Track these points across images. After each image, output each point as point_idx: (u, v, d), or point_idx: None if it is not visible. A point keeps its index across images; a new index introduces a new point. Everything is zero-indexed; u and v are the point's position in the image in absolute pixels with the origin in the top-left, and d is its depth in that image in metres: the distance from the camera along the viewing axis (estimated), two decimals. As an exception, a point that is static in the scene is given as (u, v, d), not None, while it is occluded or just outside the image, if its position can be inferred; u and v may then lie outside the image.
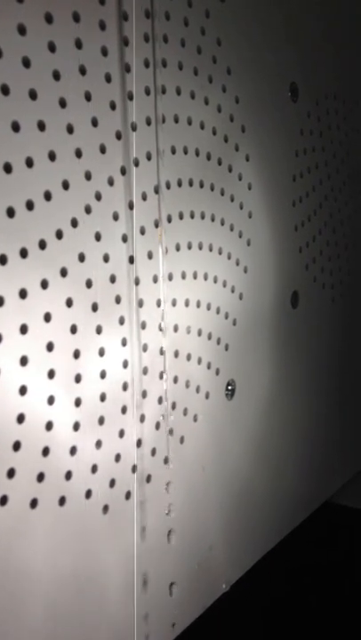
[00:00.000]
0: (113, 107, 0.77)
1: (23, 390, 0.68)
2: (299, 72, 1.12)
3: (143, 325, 0.83)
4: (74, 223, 0.73)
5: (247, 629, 0.99)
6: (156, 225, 0.84)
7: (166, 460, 0.88)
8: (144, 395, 0.84)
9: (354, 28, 1.29)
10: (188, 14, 0.87)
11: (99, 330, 0.77)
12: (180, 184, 0.88)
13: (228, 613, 1.01)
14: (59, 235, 0.71)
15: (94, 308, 0.76)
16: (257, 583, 1.08)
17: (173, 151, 0.86)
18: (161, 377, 0.87)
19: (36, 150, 0.68)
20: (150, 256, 0.84)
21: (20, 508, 0.69)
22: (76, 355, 0.74)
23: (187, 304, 0.90)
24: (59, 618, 0.75)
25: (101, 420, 0.78)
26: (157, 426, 0.87)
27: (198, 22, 0.89)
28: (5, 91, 0.64)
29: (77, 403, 0.75)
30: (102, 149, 0.76)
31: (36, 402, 0.70)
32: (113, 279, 0.78)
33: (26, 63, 0.66)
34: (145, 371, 0.84)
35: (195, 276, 0.92)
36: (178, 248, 0.88)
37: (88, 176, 0.74)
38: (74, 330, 0.74)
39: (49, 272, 0.70)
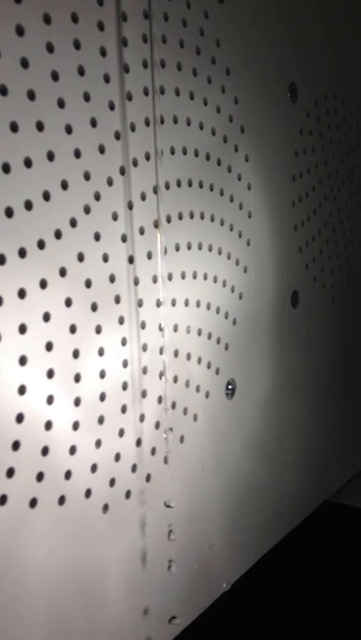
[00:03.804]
0: (112, 107, 0.77)
1: (22, 390, 0.68)
2: (298, 72, 1.12)
3: (143, 325, 0.83)
4: (73, 223, 0.73)
5: (248, 628, 0.99)
6: (156, 225, 0.84)
7: (166, 460, 0.88)
8: (144, 394, 0.84)
9: (353, 28, 1.29)
10: (186, 15, 0.87)
11: (98, 329, 0.77)
12: (179, 184, 0.88)
13: (228, 612, 1.01)
14: (58, 235, 0.71)
15: (94, 307, 0.76)
16: (257, 582, 1.08)
17: (172, 151, 0.86)
18: (161, 376, 0.87)
19: (35, 150, 0.68)
20: (150, 256, 0.84)
21: (20, 507, 0.69)
22: (76, 354, 0.75)
23: (186, 304, 0.91)
24: (59, 616, 0.75)
25: (101, 420, 0.78)
26: (157, 425, 0.87)
27: (197, 23, 0.89)
28: (4, 91, 0.64)
29: (77, 402, 0.75)
30: (101, 149, 0.76)
31: (35, 401, 0.70)
32: (112, 279, 0.79)
33: (24, 64, 0.66)
34: (145, 370, 0.84)
35: (194, 276, 0.92)
36: (177, 248, 0.88)
37: (87, 176, 0.74)
38: (73, 329, 0.74)
39: (48, 272, 0.70)
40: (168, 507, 0.88)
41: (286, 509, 1.19)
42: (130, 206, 0.80)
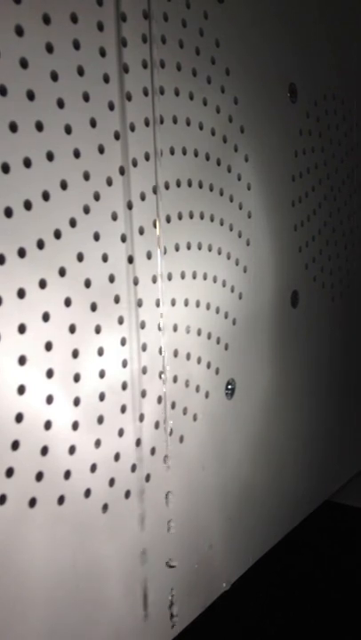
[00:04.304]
0: (111, 107, 0.77)
1: (22, 390, 0.69)
2: (298, 73, 1.12)
3: (142, 325, 0.83)
4: (72, 223, 0.73)
5: (247, 628, 0.99)
6: (155, 225, 0.84)
7: (166, 460, 0.88)
8: (143, 394, 0.84)
9: (353, 28, 1.29)
10: (186, 15, 0.87)
11: (98, 329, 0.77)
12: (178, 184, 0.88)
13: (228, 612, 1.01)
14: (57, 234, 0.71)
15: (93, 307, 0.76)
16: (257, 582, 1.08)
17: (172, 152, 0.86)
18: (160, 376, 0.87)
19: (34, 150, 0.68)
20: (149, 256, 0.84)
21: (19, 507, 0.70)
22: (75, 354, 0.75)
23: (186, 304, 0.91)
24: (59, 615, 0.75)
25: (100, 420, 0.79)
26: (157, 425, 0.87)
27: (196, 23, 0.89)
28: (3, 91, 0.64)
29: (76, 402, 0.75)
30: (101, 150, 0.76)
31: (34, 401, 0.70)
32: (112, 279, 0.79)
33: (23, 64, 0.66)
34: (144, 370, 0.84)
35: (194, 276, 0.92)
36: (177, 248, 0.88)
37: (86, 176, 0.74)
38: (72, 329, 0.74)
39: (47, 272, 0.71)
40: (170, 566, 0.88)
41: (286, 509, 1.19)
42: (129, 206, 0.80)
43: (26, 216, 0.68)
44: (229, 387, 1.00)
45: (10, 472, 0.68)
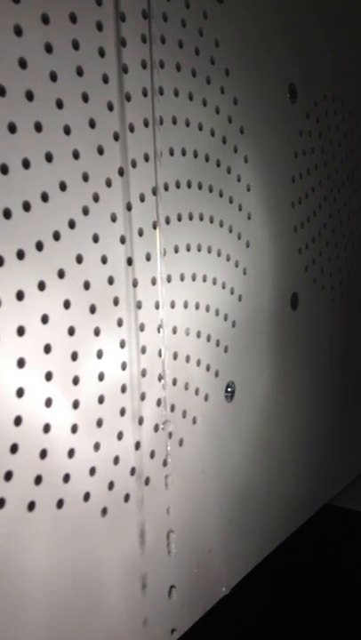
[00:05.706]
0: (110, 108, 0.77)
1: (20, 392, 0.68)
2: (297, 73, 1.11)
3: (142, 327, 0.83)
4: (71, 224, 0.72)
5: (247, 632, 0.99)
6: (155, 226, 0.84)
7: (165, 463, 0.88)
8: (143, 397, 0.84)
9: (353, 28, 1.29)
10: (185, 15, 0.86)
11: (97, 332, 0.77)
12: (178, 185, 0.87)
13: (227, 617, 1.00)
14: (56, 236, 0.71)
15: (92, 309, 0.76)
16: (257, 586, 1.07)
17: (171, 152, 0.86)
18: (160, 379, 0.86)
19: (33, 151, 0.68)
20: (148, 258, 0.83)
21: (18, 510, 0.69)
22: (74, 357, 0.74)
23: (185, 306, 0.90)
24: (57, 621, 0.75)
25: (100, 423, 0.78)
26: (156, 428, 0.86)
27: (196, 23, 0.88)
28: (2, 92, 0.64)
29: (75, 405, 0.75)
30: (100, 150, 0.75)
31: (33, 404, 0.69)
32: (111, 281, 0.78)
33: (22, 64, 0.66)
34: (144, 373, 0.84)
35: (193, 278, 0.91)
36: (176, 250, 0.88)
37: (85, 177, 0.74)
38: (71, 332, 0.73)
39: (46, 274, 0.70)
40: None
41: (286, 513, 1.19)
42: (129, 207, 0.80)
43: (25, 217, 0.67)
44: (229, 389, 1.00)
45: (8, 475, 0.67)
